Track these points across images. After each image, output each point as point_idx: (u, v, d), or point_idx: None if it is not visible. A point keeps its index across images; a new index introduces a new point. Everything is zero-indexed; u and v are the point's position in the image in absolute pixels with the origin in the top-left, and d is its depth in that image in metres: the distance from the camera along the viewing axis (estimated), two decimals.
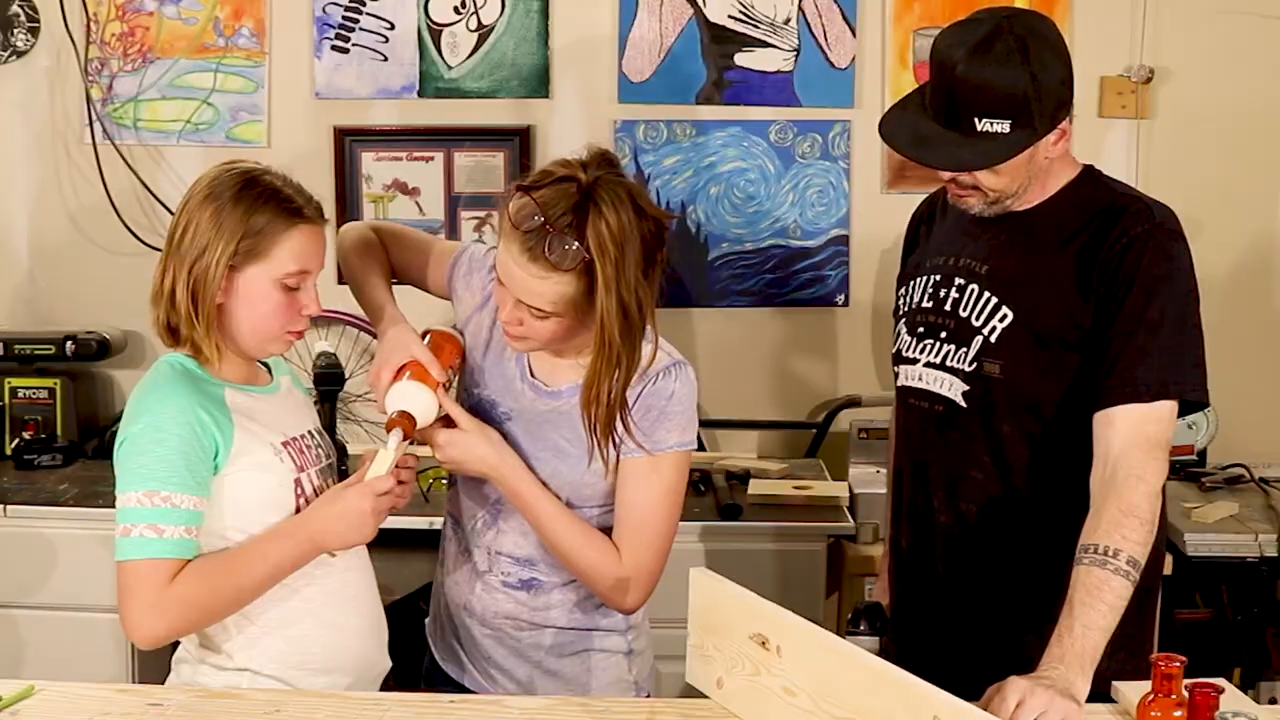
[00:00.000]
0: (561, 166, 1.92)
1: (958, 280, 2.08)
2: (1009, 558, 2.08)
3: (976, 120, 1.93)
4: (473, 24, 3.48)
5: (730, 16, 3.45)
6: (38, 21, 3.52)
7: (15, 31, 3.52)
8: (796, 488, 3.17)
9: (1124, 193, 2.06)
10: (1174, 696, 1.63)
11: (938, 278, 2.12)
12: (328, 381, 3.17)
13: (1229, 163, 3.44)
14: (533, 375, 2.06)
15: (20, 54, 3.53)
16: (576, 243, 1.84)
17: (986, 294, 2.04)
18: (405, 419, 1.97)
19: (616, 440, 1.97)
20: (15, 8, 3.51)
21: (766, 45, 3.46)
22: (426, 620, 2.29)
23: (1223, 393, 3.36)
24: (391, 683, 2.12)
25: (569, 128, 3.48)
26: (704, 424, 3.52)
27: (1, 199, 3.58)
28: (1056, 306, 1.99)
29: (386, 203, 3.53)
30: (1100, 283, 1.96)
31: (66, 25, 3.48)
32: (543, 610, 2.10)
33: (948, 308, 2.09)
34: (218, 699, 1.87)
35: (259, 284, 1.92)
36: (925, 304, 2.13)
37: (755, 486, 3.18)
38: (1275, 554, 2.93)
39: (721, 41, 3.46)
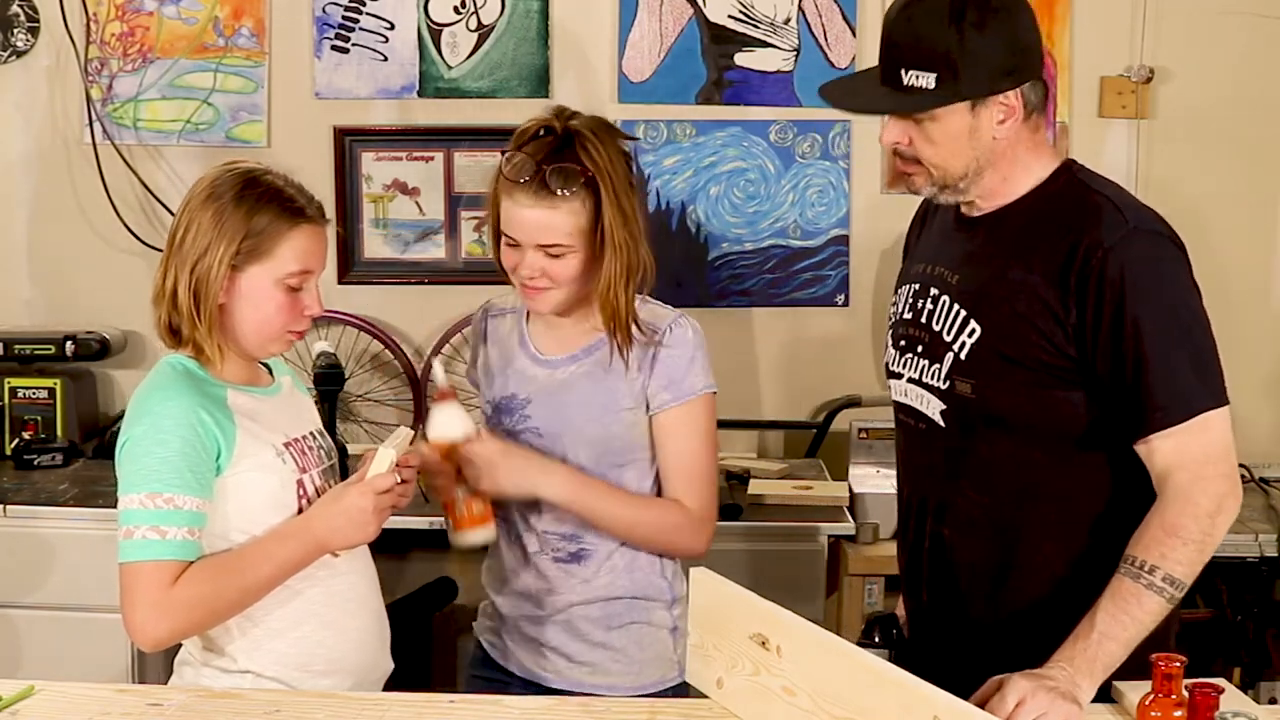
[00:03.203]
0: (532, 123, 2.07)
1: (932, 291, 2.00)
2: (991, 591, 1.97)
3: (904, 73, 1.87)
4: (473, 24, 3.48)
5: (730, 16, 3.45)
6: (38, 21, 3.52)
7: (15, 31, 3.52)
8: (796, 488, 3.17)
9: (1099, 192, 1.92)
10: (1174, 696, 1.63)
11: (917, 287, 2.04)
12: (328, 381, 3.17)
13: (1229, 163, 3.44)
14: (538, 354, 2.16)
15: (20, 54, 3.53)
16: (575, 166, 2.02)
17: (956, 306, 1.95)
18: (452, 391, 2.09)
19: (630, 342, 2.10)
20: (15, 8, 3.51)
21: (766, 45, 3.46)
22: (474, 622, 2.33)
23: None
24: (394, 686, 2.12)
25: None
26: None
27: (1, 199, 3.58)
28: (1028, 324, 1.87)
29: (386, 203, 3.53)
30: (1082, 300, 1.84)
31: (66, 25, 3.48)
32: (594, 579, 2.16)
33: (924, 320, 2.00)
34: (217, 699, 1.87)
35: (261, 284, 1.93)
36: (906, 315, 2.05)
37: (755, 486, 3.18)
38: (1275, 554, 2.93)
39: (721, 41, 3.46)
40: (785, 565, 3.00)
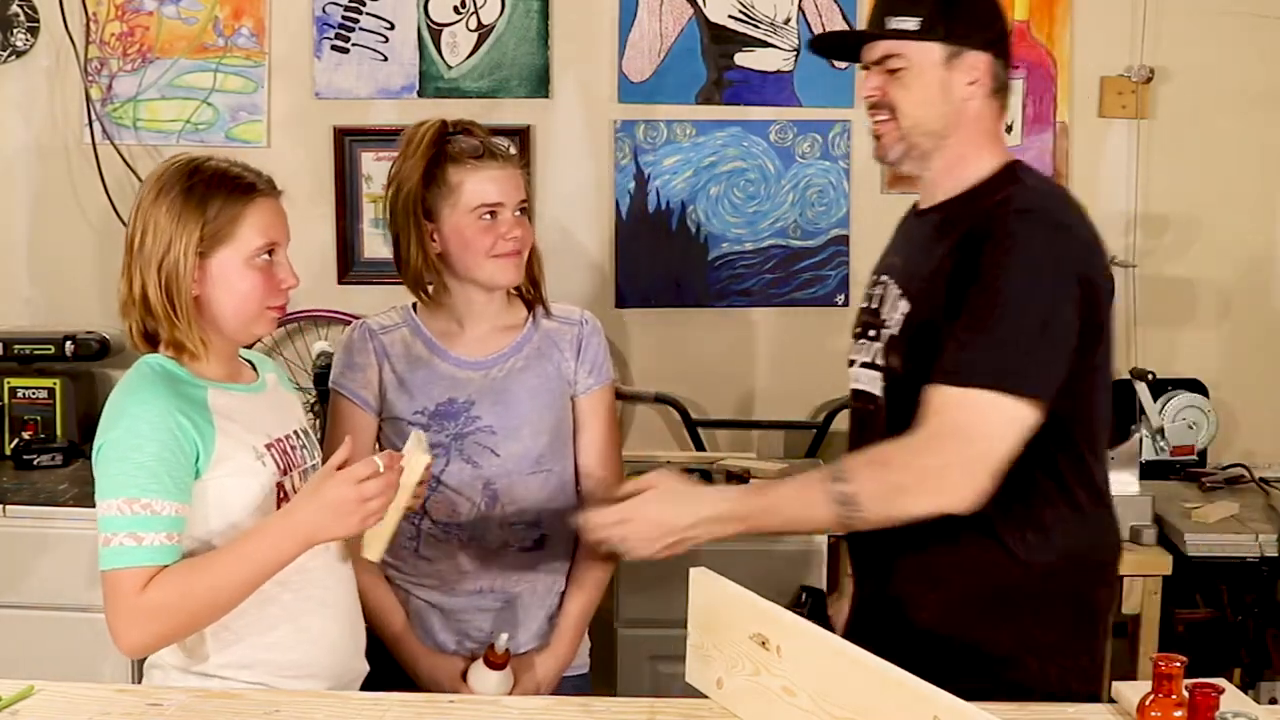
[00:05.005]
0: (427, 126, 2.25)
1: (883, 277, 2.09)
2: (920, 572, 2.00)
3: (889, 19, 2.00)
4: (473, 24, 3.48)
5: (730, 16, 3.45)
6: (37, 21, 3.52)
7: (15, 31, 3.52)
8: None
9: (1021, 181, 1.99)
10: (1174, 696, 1.63)
11: (876, 277, 2.14)
12: (328, 381, 3.17)
13: (1229, 163, 3.44)
14: (460, 358, 2.28)
15: (20, 54, 3.53)
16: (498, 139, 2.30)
17: (894, 287, 2.04)
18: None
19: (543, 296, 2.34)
20: (15, 8, 3.51)
21: (766, 45, 3.46)
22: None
23: (1223, 393, 3.39)
24: (370, 688, 2.10)
25: (569, 128, 3.48)
26: (704, 424, 3.52)
27: (1, 199, 3.58)
28: (941, 300, 1.93)
29: (386, 202, 3.53)
30: (965, 271, 1.90)
31: (66, 25, 3.48)
32: (550, 561, 2.31)
33: (874, 306, 2.09)
34: (217, 699, 1.87)
35: (232, 266, 1.92)
36: (864, 304, 2.15)
37: None
38: (1275, 554, 2.93)
39: (721, 41, 3.46)
40: (785, 565, 3.00)
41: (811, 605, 2.29)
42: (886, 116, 2.02)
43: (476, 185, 2.21)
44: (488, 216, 2.22)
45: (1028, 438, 1.84)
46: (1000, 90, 2.03)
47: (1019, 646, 1.94)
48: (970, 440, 1.83)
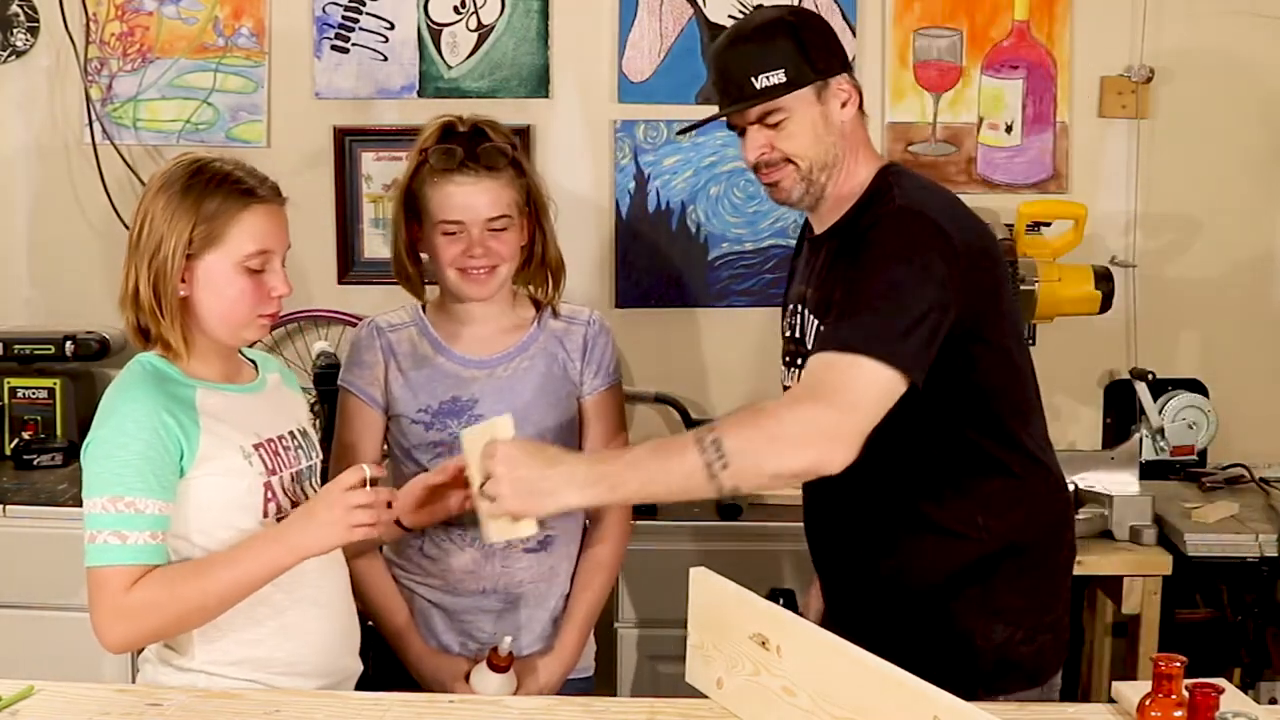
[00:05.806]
0: (435, 124, 2.23)
1: (801, 308, 2.16)
2: (879, 575, 2.13)
3: (754, 80, 2.03)
4: (473, 24, 3.48)
5: (730, 16, 3.44)
6: (37, 21, 3.52)
7: (15, 31, 3.52)
8: (796, 488, 3.16)
9: (895, 186, 2.05)
10: (1174, 696, 1.63)
11: (792, 307, 2.21)
12: (328, 381, 3.17)
13: (1229, 163, 3.44)
14: (465, 357, 2.27)
15: (20, 54, 3.53)
16: (500, 144, 2.21)
17: (811, 316, 2.11)
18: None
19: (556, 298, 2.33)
20: (15, 8, 3.51)
21: None
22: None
23: (1223, 392, 3.39)
24: (365, 688, 2.10)
25: (569, 128, 3.48)
26: (704, 424, 3.52)
27: (1, 199, 3.58)
28: None
29: (386, 203, 3.53)
30: (850, 266, 1.99)
31: (66, 25, 3.48)
32: (554, 562, 2.30)
33: (797, 335, 2.17)
34: (217, 699, 1.87)
35: (220, 270, 1.91)
36: (787, 333, 2.22)
37: None
38: (1275, 554, 2.93)
39: None
40: (785, 565, 3.00)
41: (784, 606, 2.33)
42: (781, 171, 2.08)
43: (440, 200, 2.20)
44: (450, 231, 2.20)
45: (890, 406, 1.88)
46: (860, 102, 2.14)
47: (982, 617, 2.03)
48: (840, 399, 1.86)
